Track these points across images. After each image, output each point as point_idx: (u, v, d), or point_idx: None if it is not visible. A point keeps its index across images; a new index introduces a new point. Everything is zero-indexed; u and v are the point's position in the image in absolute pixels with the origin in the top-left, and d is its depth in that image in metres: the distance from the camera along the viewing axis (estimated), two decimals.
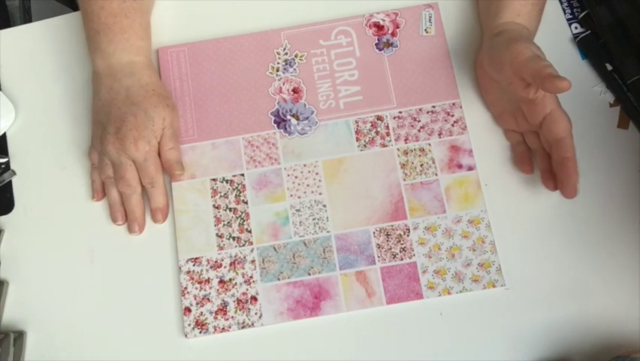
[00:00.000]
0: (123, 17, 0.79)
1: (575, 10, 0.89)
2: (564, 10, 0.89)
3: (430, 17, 0.87)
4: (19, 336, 0.77)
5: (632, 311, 0.77)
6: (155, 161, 0.79)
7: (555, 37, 0.86)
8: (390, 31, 0.87)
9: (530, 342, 0.76)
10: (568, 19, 0.88)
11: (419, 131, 0.83)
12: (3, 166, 0.85)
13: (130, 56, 0.79)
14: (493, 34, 0.79)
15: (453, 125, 0.83)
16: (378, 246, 0.79)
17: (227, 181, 0.82)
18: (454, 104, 0.84)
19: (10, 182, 0.84)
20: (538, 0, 0.81)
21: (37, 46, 0.90)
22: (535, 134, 0.79)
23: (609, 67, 0.85)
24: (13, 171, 0.85)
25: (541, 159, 0.79)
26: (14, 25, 0.97)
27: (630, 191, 0.81)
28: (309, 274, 0.78)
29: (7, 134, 0.87)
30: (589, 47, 0.86)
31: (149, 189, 0.80)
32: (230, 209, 0.81)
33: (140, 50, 0.81)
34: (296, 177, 0.82)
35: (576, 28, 0.88)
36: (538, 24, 0.82)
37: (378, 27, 0.87)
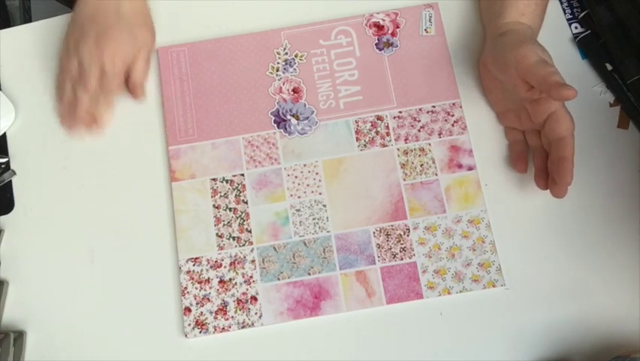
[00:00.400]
0: None
1: (575, 10, 0.89)
2: (564, 10, 0.89)
3: (430, 17, 0.87)
4: (19, 336, 0.77)
5: (632, 311, 0.77)
6: (120, 80, 0.81)
7: (555, 37, 0.86)
8: (390, 31, 0.87)
9: (530, 342, 0.76)
10: (568, 19, 0.88)
11: (419, 131, 0.83)
12: (3, 166, 0.85)
13: None
14: (498, 34, 0.79)
15: (453, 125, 0.83)
16: (378, 246, 0.79)
17: (227, 181, 0.82)
18: (454, 104, 0.84)
19: (10, 182, 0.84)
20: (541, 0, 0.81)
21: (37, 46, 0.90)
22: (536, 132, 0.79)
23: (609, 67, 0.85)
24: (13, 171, 0.85)
25: (538, 157, 0.79)
26: (14, 25, 0.97)
27: (630, 191, 0.81)
28: (309, 274, 0.78)
29: (7, 134, 0.86)
30: (589, 47, 0.86)
31: (99, 96, 0.81)
32: (230, 209, 0.81)
33: None
34: (296, 177, 0.82)
35: (576, 28, 0.88)
36: (541, 23, 0.82)
37: (379, 27, 0.87)
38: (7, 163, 0.85)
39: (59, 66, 0.84)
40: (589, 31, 0.87)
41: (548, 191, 0.78)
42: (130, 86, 0.82)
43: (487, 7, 0.85)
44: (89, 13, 0.80)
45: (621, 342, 0.76)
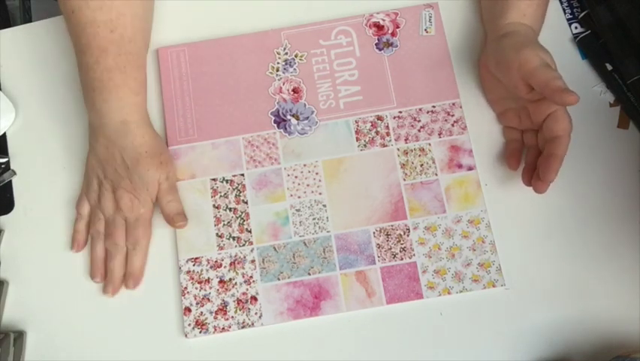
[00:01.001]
0: (118, 73, 0.77)
1: (575, 10, 0.89)
2: (564, 10, 0.89)
3: (430, 17, 0.87)
4: (19, 336, 0.77)
5: (632, 311, 0.77)
6: (146, 225, 0.80)
7: (555, 37, 0.85)
8: (390, 31, 0.87)
9: (530, 342, 0.76)
10: (568, 19, 0.88)
11: (419, 131, 0.83)
12: (3, 166, 0.85)
13: (123, 115, 0.78)
14: (500, 35, 0.79)
15: (453, 125, 0.83)
16: (378, 246, 0.79)
17: (227, 181, 0.82)
18: (454, 104, 0.84)
19: (10, 182, 0.84)
20: (543, 0, 0.81)
21: (37, 46, 0.90)
22: (534, 132, 0.80)
23: (609, 67, 0.85)
24: (13, 171, 0.85)
25: (531, 154, 0.79)
26: (14, 25, 0.97)
27: (630, 191, 0.81)
28: (309, 274, 0.78)
29: (7, 134, 0.87)
30: (589, 47, 0.86)
31: (129, 251, 0.79)
32: (230, 209, 0.81)
33: (134, 107, 0.79)
34: (296, 177, 0.82)
35: (576, 28, 0.88)
36: (542, 24, 0.82)
37: (378, 27, 0.87)
38: (7, 163, 0.85)
39: (79, 218, 0.82)
40: (589, 31, 0.87)
41: (549, 191, 0.77)
42: (167, 220, 0.80)
43: (488, 7, 0.85)
44: (100, 162, 0.79)
45: (621, 342, 0.76)
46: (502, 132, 0.84)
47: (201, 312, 0.77)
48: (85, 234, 0.82)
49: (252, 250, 0.79)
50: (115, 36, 0.77)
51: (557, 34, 0.87)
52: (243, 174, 0.82)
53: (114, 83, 0.77)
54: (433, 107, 0.84)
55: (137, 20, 0.80)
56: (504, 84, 0.78)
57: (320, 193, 0.81)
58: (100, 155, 0.79)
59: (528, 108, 0.78)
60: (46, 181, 0.84)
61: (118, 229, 0.79)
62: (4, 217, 0.83)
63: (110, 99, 0.77)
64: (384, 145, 0.82)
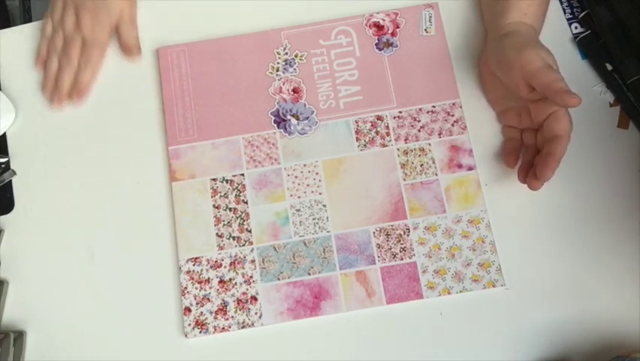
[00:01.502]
0: None
1: (575, 10, 0.89)
2: (564, 10, 0.89)
3: (430, 17, 0.88)
4: (19, 336, 0.77)
5: (632, 311, 0.77)
6: (101, 47, 0.87)
7: (555, 37, 0.85)
8: (390, 31, 0.87)
9: (530, 342, 0.76)
10: (568, 19, 0.89)
11: (419, 131, 0.83)
12: (3, 166, 0.85)
13: None
14: (501, 35, 0.79)
15: (453, 125, 0.83)
16: (378, 246, 0.79)
17: (227, 181, 0.82)
18: (454, 103, 0.84)
19: (10, 182, 0.84)
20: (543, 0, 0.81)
21: (37, 46, 0.90)
22: (533, 131, 0.80)
23: (609, 67, 0.85)
24: (13, 171, 0.85)
25: (529, 153, 0.79)
26: (14, 25, 0.97)
27: (630, 191, 0.81)
28: (309, 274, 0.78)
29: (7, 135, 0.87)
30: (589, 47, 0.86)
31: (81, 66, 0.86)
32: (230, 209, 0.81)
33: None
34: (296, 177, 0.82)
35: (576, 28, 0.88)
36: (543, 23, 0.82)
37: (378, 27, 0.87)
38: (7, 163, 0.85)
39: (42, 37, 0.88)
40: (589, 31, 0.87)
41: (548, 191, 0.79)
42: (124, 48, 0.87)
43: (488, 6, 0.85)
44: None
45: (621, 342, 0.76)
46: (501, 131, 0.84)
47: (201, 312, 0.77)
48: (46, 49, 0.89)
49: (252, 250, 0.79)
50: None
51: (557, 34, 0.87)
52: (242, 174, 0.82)
53: None
54: (433, 107, 0.84)
55: None
56: (505, 84, 0.78)
57: (320, 193, 0.81)
58: None
59: (529, 107, 0.78)
60: (46, 181, 0.84)
61: (74, 46, 0.86)
62: (4, 217, 0.83)
63: None
64: (384, 145, 0.83)
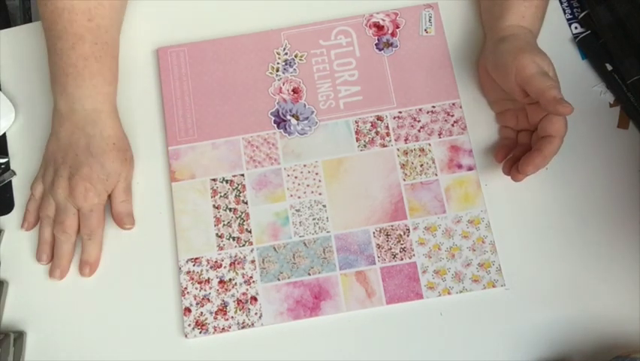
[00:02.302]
0: (94, 61, 0.79)
1: (575, 10, 0.89)
2: (564, 10, 0.89)
3: (430, 17, 0.88)
4: (19, 336, 0.78)
5: (632, 311, 0.77)
6: (100, 215, 0.80)
7: (555, 37, 0.86)
8: (390, 32, 0.88)
9: (530, 342, 0.77)
10: (568, 19, 0.89)
11: (419, 131, 0.83)
12: (3, 166, 0.85)
13: (95, 104, 0.79)
14: (499, 38, 0.80)
15: (453, 125, 0.83)
16: (378, 246, 0.79)
17: (227, 181, 0.82)
18: (453, 104, 0.84)
19: (10, 182, 0.84)
20: (541, 1, 0.81)
21: (37, 46, 0.90)
22: (529, 132, 0.80)
23: (609, 67, 0.85)
24: (13, 171, 0.85)
25: (520, 150, 0.79)
26: (14, 25, 0.98)
27: (630, 191, 0.81)
28: (309, 274, 0.79)
29: (7, 135, 0.87)
30: (589, 47, 0.87)
31: (84, 240, 0.80)
32: (230, 209, 0.81)
33: (106, 96, 0.81)
34: (296, 177, 0.82)
35: (576, 28, 0.88)
36: (541, 25, 0.83)
37: (378, 27, 0.88)
38: (7, 163, 0.85)
39: (31, 198, 0.83)
40: (589, 31, 0.87)
41: (549, 191, 0.80)
42: (116, 219, 0.82)
43: (487, 9, 0.85)
44: (60, 148, 0.79)
45: (621, 342, 0.76)
46: (498, 131, 0.85)
47: (201, 312, 0.78)
48: (35, 214, 0.82)
49: (251, 251, 0.80)
50: (92, 25, 0.78)
51: (557, 34, 0.87)
52: (242, 175, 0.82)
53: (89, 71, 0.78)
54: (433, 107, 0.84)
55: (114, 12, 0.82)
56: (501, 87, 0.79)
57: (320, 193, 0.81)
58: (62, 140, 0.79)
59: (526, 109, 0.79)
60: None
61: (69, 217, 0.79)
62: (4, 217, 0.84)
63: (84, 86, 0.78)
64: (384, 145, 0.83)
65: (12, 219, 0.84)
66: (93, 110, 0.79)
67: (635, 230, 0.80)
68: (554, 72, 0.74)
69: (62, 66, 0.78)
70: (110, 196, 0.81)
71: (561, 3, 0.90)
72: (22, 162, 0.85)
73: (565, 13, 0.89)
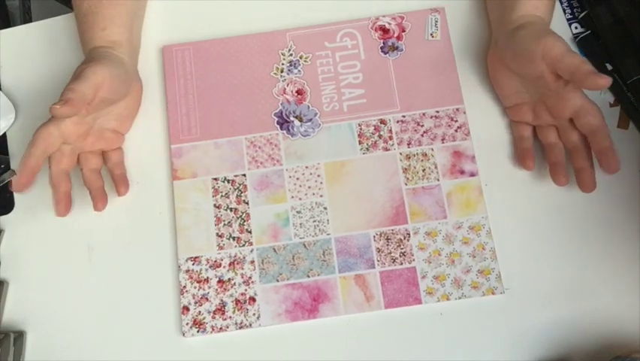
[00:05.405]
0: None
1: (575, 10, 0.93)
2: (564, 10, 0.93)
3: (436, 22, 0.92)
4: (19, 336, 0.82)
5: (632, 311, 0.80)
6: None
7: None
8: (395, 35, 0.92)
9: (530, 343, 0.80)
10: (568, 19, 0.93)
11: (422, 135, 0.87)
12: (3, 166, 0.89)
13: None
14: (513, 28, 0.81)
15: (456, 130, 0.87)
16: (378, 250, 0.83)
17: (228, 181, 0.86)
18: (457, 109, 0.88)
19: (10, 182, 0.86)
20: None
21: (37, 46, 0.95)
22: (551, 128, 0.83)
23: (609, 67, 0.89)
24: (13, 171, 0.89)
25: (555, 153, 0.82)
26: (14, 25, 1.01)
27: (630, 191, 0.85)
28: (308, 276, 0.82)
29: (7, 135, 0.91)
30: (589, 47, 0.90)
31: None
32: (230, 209, 0.85)
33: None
34: (297, 178, 0.86)
35: (576, 28, 0.92)
36: (551, 19, 0.85)
37: (384, 30, 0.92)
38: (7, 163, 0.90)
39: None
40: (589, 32, 0.91)
41: (550, 199, 0.83)
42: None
43: (496, 4, 0.88)
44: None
45: (621, 342, 0.79)
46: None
47: (199, 311, 0.81)
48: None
49: (251, 251, 0.83)
50: None
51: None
52: (244, 175, 0.86)
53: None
54: (437, 112, 0.88)
55: None
56: (523, 76, 0.82)
57: (321, 196, 0.85)
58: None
59: (546, 103, 0.81)
60: (46, 181, 0.84)
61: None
62: (4, 217, 0.87)
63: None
64: (386, 149, 0.87)
65: (12, 219, 0.87)
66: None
67: (635, 230, 0.83)
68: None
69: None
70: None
71: (561, 3, 0.93)
72: None
73: (565, 13, 0.93)
